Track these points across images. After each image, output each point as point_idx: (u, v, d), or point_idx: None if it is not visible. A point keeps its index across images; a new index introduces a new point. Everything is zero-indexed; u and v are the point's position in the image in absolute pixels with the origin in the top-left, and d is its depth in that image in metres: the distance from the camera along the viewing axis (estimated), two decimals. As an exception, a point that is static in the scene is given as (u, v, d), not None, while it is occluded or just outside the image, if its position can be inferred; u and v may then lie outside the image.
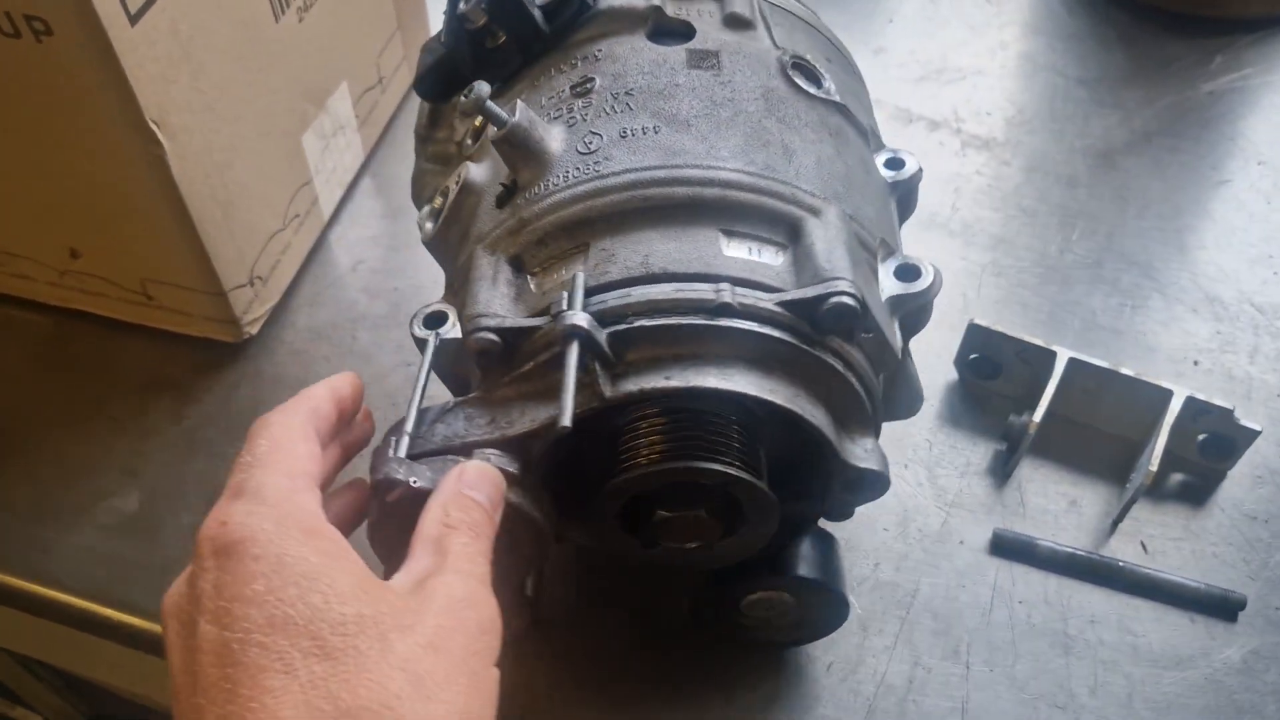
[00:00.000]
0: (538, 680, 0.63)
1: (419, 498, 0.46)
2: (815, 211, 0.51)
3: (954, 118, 0.96)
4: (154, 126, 0.63)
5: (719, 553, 0.54)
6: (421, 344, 0.54)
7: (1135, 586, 0.67)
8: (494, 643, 0.42)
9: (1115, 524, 0.69)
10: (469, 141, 0.60)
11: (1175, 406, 0.68)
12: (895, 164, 0.60)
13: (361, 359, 0.79)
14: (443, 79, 0.63)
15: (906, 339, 0.57)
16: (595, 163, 0.52)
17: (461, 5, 0.60)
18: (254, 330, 0.79)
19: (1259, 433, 0.69)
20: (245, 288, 0.76)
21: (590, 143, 0.53)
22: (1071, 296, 0.82)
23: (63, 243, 0.75)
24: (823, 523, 0.58)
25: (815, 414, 0.50)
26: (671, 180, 0.51)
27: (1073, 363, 0.71)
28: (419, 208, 0.65)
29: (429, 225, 0.58)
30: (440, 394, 0.55)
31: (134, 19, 0.60)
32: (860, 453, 0.52)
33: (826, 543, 0.58)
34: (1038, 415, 0.69)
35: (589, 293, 0.49)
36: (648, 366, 0.48)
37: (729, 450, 0.49)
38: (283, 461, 0.44)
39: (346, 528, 0.50)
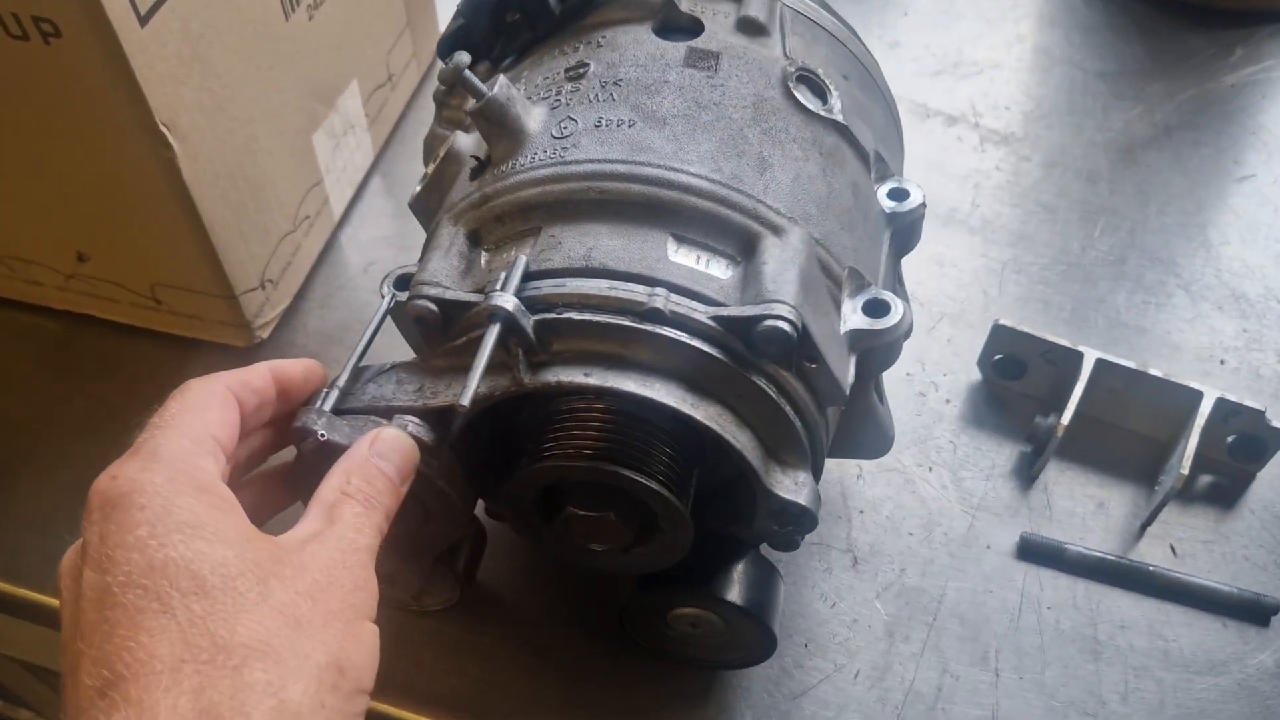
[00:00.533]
0: (474, 658, 0.63)
1: (330, 451, 0.47)
2: (776, 230, 0.49)
3: (971, 112, 0.95)
4: (164, 129, 0.62)
5: (630, 560, 0.54)
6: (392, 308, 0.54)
7: (1165, 591, 0.65)
8: (369, 601, 0.42)
9: (1144, 527, 0.68)
10: None
11: (1205, 408, 0.67)
12: (899, 194, 0.57)
13: (374, 360, 0.78)
14: (461, 45, 0.62)
15: (871, 376, 0.56)
16: (563, 148, 0.51)
17: None
18: (265, 334, 0.77)
19: (1291, 433, 0.68)
20: (256, 291, 0.75)
21: (565, 128, 0.52)
22: (1095, 294, 0.81)
23: (70, 247, 0.73)
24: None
25: (739, 436, 0.48)
26: (630, 176, 0.49)
27: (1100, 363, 0.69)
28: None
29: (416, 188, 0.58)
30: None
31: (144, 20, 0.58)
32: (789, 484, 0.49)
33: (765, 572, 0.56)
34: (1066, 418, 0.67)
35: (529, 277, 0.48)
36: (571, 360, 0.47)
37: (649, 460, 0.49)
38: (190, 424, 0.44)
39: (266, 505, 0.51)
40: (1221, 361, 0.77)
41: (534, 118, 0.53)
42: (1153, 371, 0.69)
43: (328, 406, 0.50)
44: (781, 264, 0.48)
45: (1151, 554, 0.67)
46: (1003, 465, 0.71)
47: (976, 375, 0.76)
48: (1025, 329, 0.71)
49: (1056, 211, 0.87)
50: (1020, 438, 0.72)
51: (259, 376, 0.50)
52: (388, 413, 0.50)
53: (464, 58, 0.52)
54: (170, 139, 0.62)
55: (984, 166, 0.90)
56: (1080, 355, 0.70)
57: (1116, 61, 0.99)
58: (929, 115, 0.95)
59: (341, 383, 0.51)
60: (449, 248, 0.52)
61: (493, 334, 0.46)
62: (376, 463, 0.46)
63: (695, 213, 0.49)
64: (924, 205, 0.58)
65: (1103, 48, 1.01)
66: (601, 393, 0.47)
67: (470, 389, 0.46)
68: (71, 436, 0.74)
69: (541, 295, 0.48)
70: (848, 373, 0.50)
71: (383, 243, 0.85)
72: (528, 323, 0.47)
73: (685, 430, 0.49)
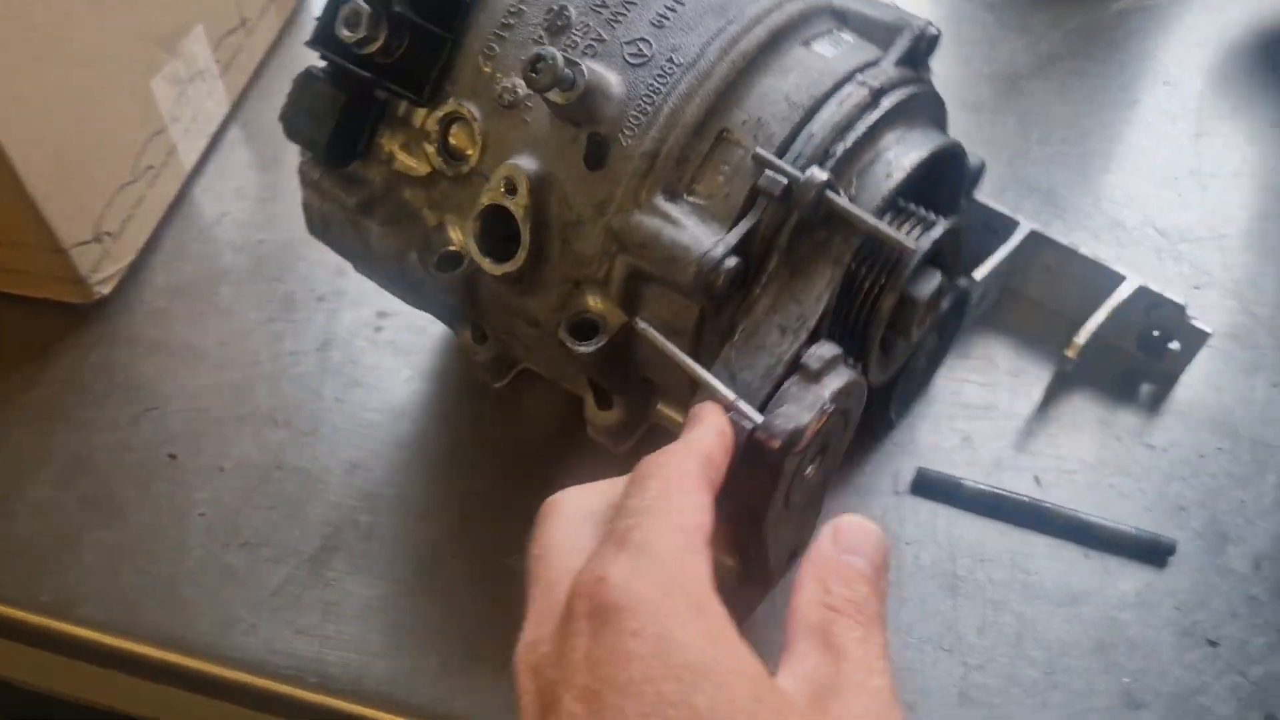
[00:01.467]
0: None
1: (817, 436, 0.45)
2: None
3: (855, 46, 0.92)
4: (-44, 66, 0.58)
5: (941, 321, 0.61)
6: (606, 350, 0.52)
7: (1060, 529, 0.63)
8: None
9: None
10: (459, 156, 0.54)
11: (1124, 292, 0.66)
12: None
13: (223, 316, 0.75)
14: (351, 130, 0.56)
15: None
16: (667, 59, 0.51)
17: (344, 35, 0.52)
18: (106, 290, 0.74)
19: (1209, 335, 0.66)
20: (91, 244, 0.71)
21: (641, 49, 0.51)
22: (971, 226, 0.79)
23: (-117, 198, 0.70)
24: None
25: (949, 139, 0.57)
26: (747, 28, 0.52)
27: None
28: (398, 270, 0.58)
29: (510, 267, 0.52)
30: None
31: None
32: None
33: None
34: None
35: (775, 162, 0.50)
36: (867, 169, 0.52)
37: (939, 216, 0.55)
38: (676, 511, 0.38)
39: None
40: (1096, 290, 0.75)
41: (599, 70, 0.50)
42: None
43: (759, 419, 0.44)
44: (865, 3, 0.57)
45: (1016, 484, 0.65)
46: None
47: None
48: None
49: (937, 144, 0.85)
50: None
51: (717, 450, 0.43)
52: (795, 363, 0.46)
53: (555, 53, 0.48)
54: (-36, 77, 0.59)
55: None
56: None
57: (1005, -8, 0.97)
58: (812, 51, 0.92)
59: (729, 395, 0.45)
60: (674, 219, 0.50)
61: (843, 198, 0.49)
62: (849, 561, 0.39)
63: (800, 17, 0.54)
64: None
65: (992, -22, 0.98)
66: (915, 164, 0.53)
67: (911, 239, 0.51)
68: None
69: (807, 155, 0.50)
70: None
71: (238, 194, 0.82)
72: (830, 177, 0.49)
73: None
